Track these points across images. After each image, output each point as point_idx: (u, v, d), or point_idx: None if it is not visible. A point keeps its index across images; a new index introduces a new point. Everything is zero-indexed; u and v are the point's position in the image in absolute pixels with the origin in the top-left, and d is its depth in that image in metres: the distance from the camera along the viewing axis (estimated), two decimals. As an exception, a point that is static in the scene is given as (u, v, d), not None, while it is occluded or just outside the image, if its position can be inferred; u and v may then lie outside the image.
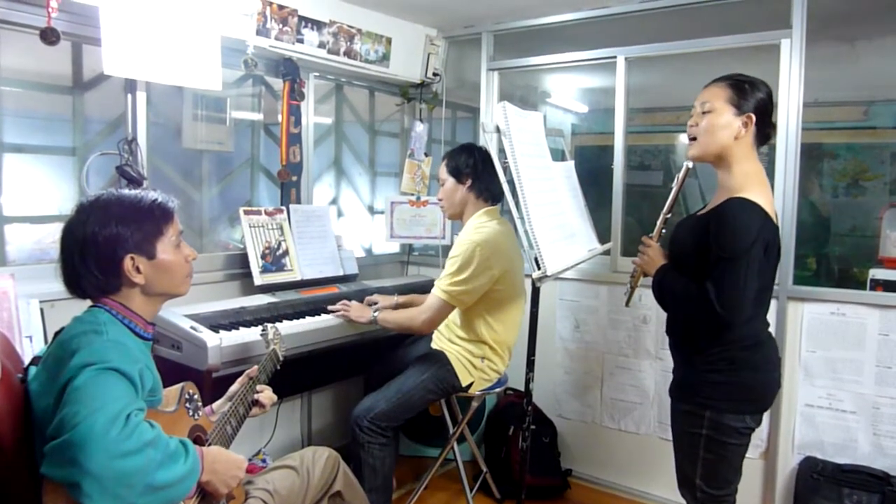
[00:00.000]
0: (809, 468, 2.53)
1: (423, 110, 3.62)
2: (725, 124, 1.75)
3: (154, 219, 1.44)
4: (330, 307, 2.63)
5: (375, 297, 2.74)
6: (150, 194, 1.48)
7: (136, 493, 1.15)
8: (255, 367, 1.90)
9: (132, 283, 1.42)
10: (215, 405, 1.78)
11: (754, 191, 1.71)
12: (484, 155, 2.57)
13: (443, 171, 2.63)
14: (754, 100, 1.75)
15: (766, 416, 2.10)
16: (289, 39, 2.74)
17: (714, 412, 1.76)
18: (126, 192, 1.47)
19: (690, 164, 1.87)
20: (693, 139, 1.82)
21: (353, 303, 2.64)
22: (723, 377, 1.76)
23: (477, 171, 2.55)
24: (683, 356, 1.89)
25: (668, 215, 1.95)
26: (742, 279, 1.64)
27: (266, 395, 1.87)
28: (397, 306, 2.75)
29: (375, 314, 2.53)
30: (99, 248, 1.37)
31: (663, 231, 1.96)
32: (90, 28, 2.19)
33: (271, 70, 2.95)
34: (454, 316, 2.56)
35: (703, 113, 1.78)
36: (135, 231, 1.40)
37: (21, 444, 1.31)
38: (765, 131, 1.79)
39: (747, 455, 1.85)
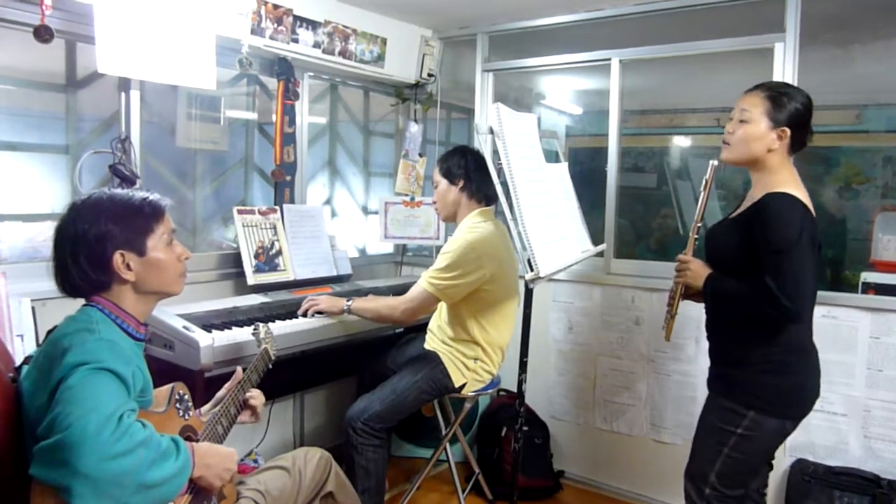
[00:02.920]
0: (801, 470, 2.55)
1: (418, 111, 3.62)
2: (760, 136, 1.77)
3: (144, 216, 1.45)
4: (300, 311, 2.56)
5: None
6: (141, 193, 1.48)
7: (128, 492, 1.16)
8: (240, 369, 1.87)
9: (123, 280, 1.42)
10: (203, 409, 1.77)
11: (790, 188, 1.73)
12: (476, 157, 2.60)
13: (436, 174, 2.65)
14: (789, 111, 1.76)
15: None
16: (284, 39, 2.73)
17: (758, 413, 1.76)
18: (117, 190, 1.48)
19: (716, 162, 1.88)
20: (726, 143, 1.84)
21: (322, 296, 2.61)
22: (775, 379, 1.77)
23: (469, 173, 2.57)
24: (732, 357, 1.86)
25: (700, 224, 1.93)
26: (800, 269, 1.65)
27: (257, 400, 1.82)
28: None
29: (349, 303, 2.51)
30: (89, 245, 1.38)
31: (696, 243, 1.94)
32: (84, 26, 2.18)
33: (266, 69, 2.95)
34: (445, 318, 2.56)
35: (741, 121, 1.79)
36: (124, 227, 1.41)
37: (12, 444, 1.30)
38: (801, 138, 1.81)
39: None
